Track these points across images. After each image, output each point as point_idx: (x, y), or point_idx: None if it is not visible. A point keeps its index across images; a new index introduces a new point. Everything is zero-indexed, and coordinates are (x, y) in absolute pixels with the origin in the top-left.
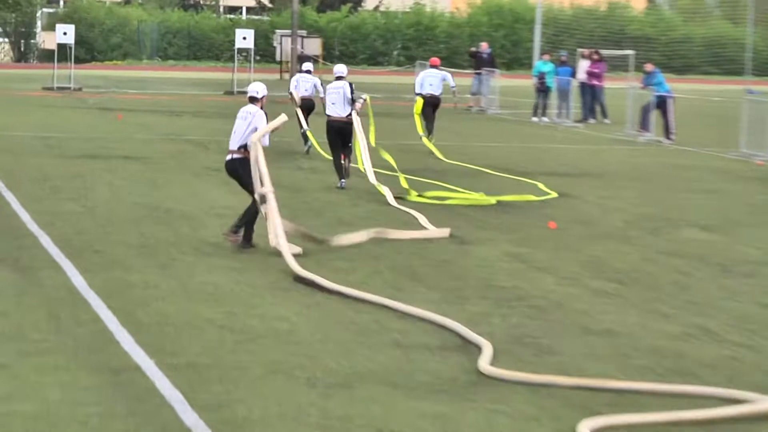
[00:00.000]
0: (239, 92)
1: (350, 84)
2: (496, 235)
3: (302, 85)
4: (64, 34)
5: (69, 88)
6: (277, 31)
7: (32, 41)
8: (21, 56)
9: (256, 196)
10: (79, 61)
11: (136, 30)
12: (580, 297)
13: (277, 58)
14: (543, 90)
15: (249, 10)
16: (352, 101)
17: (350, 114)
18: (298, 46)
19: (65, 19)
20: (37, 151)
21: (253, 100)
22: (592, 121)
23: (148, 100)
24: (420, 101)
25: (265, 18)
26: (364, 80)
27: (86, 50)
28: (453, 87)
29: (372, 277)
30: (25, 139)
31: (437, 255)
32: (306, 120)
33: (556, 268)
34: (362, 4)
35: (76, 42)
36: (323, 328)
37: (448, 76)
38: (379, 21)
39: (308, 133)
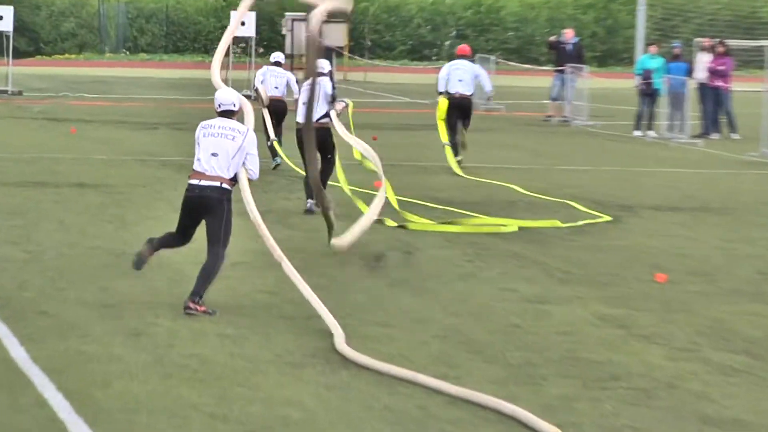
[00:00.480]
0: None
1: (332, 80)
2: (584, 291)
3: (271, 81)
4: (0, 18)
5: (5, 92)
6: (287, 14)
7: None
8: None
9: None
10: (19, 54)
11: (96, 13)
12: (697, 375)
13: (287, 50)
14: (649, 94)
15: None
16: (332, 100)
17: (326, 116)
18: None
19: None
20: None
21: (228, 114)
22: (715, 136)
23: (111, 108)
24: (444, 103)
25: None
26: (403, 80)
27: (29, 40)
28: (488, 91)
29: (415, 349)
30: None
31: (503, 318)
32: (275, 127)
33: (665, 336)
34: None
35: (16, 29)
36: (348, 416)
37: (483, 74)
38: (425, 1)
39: (275, 145)
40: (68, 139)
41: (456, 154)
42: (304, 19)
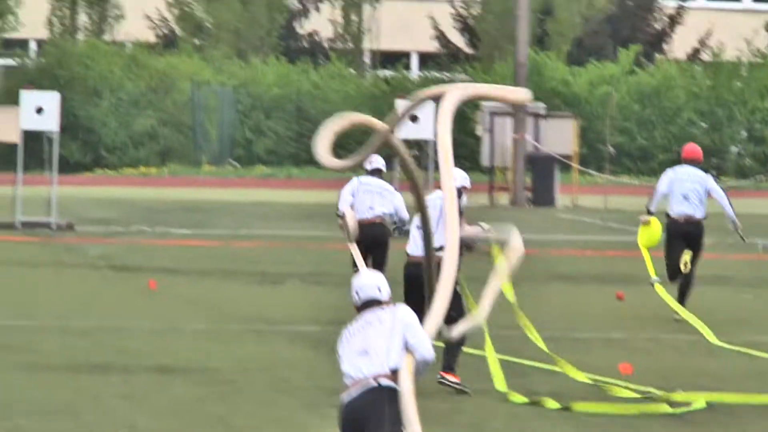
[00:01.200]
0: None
1: (459, 191)
2: None
3: (364, 198)
4: (39, 111)
5: (48, 225)
6: (485, 105)
7: None
8: None
9: None
10: (69, 167)
11: (188, 102)
12: None
13: (484, 161)
14: None
15: (424, 59)
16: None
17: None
18: (529, 136)
19: (40, 78)
20: None
21: (375, 303)
22: None
23: (211, 250)
24: (656, 225)
25: (461, 75)
26: None
27: (84, 146)
28: (731, 216)
29: None
30: None
31: None
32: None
33: None
34: (665, 43)
35: (64, 129)
36: None
37: (717, 189)
38: (698, 81)
39: None
40: (144, 299)
41: (681, 301)
42: (510, 113)
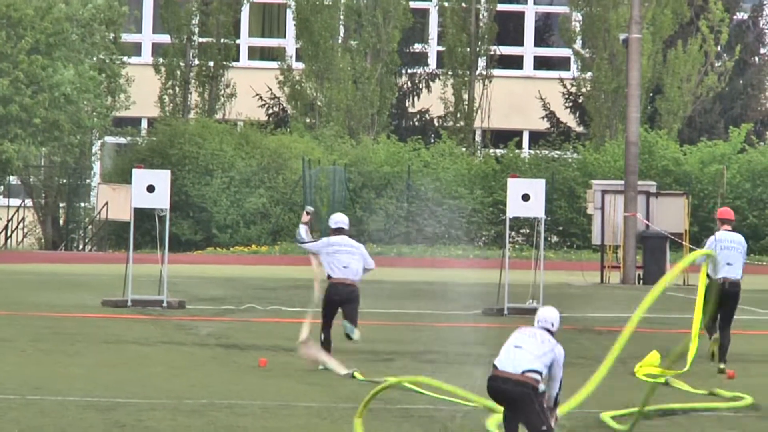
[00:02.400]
0: (518, 312)
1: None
2: None
3: (340, 258)
4: (150, 190)
5: (159, 303)
6: (594, 183)
7: (81, 206)
8: (59, 237)
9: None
10: (180, 245)
11: (300, 181)
12: None
13: (595, 239)
14: None
15: (535, 137)
16: None
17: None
18: (640, 215)
19: (151, 156)
20: None
21: (547, 330)
22: None
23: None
24: (703, 286)
25: (571, 153)
26: None
27: (195, 225)
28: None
29: None
30: (68, 410)
31: None
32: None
33: None
34: None
35: (175, 207)
36: None
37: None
38: None
39: (356, 375)
40: (256, 377)
41: (718, 358)
42: (621, 192)
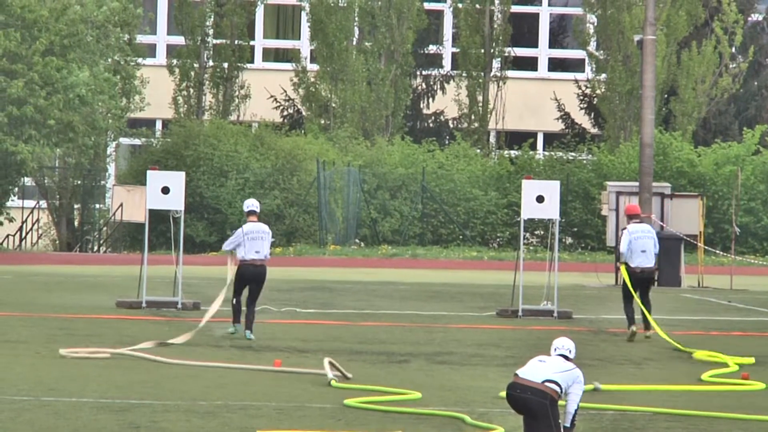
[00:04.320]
0: (532, 313)
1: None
2: None
3: (253, 244)
4: (164, 191)
5: (174, 305)
6: (609, 184)
7: (95, 207)
8: (73, 239)
9: None
10: (194, 247)
11: (314, 183)
12: None
13: (610, 241)
14: None
15: (549, 139)
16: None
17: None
18: (654, 216)
19: (166, 158)
20: None
21: (563, 357)
22: None
23: (336, 330)
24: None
25: (586, 155)
26: None
27: (209, 227)
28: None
29: None
30: (82, 412)
31: None
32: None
33: None
34: None
35: (189, 209)
36: None
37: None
38: None
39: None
40: (270, 378)
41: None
42: (636, 193)
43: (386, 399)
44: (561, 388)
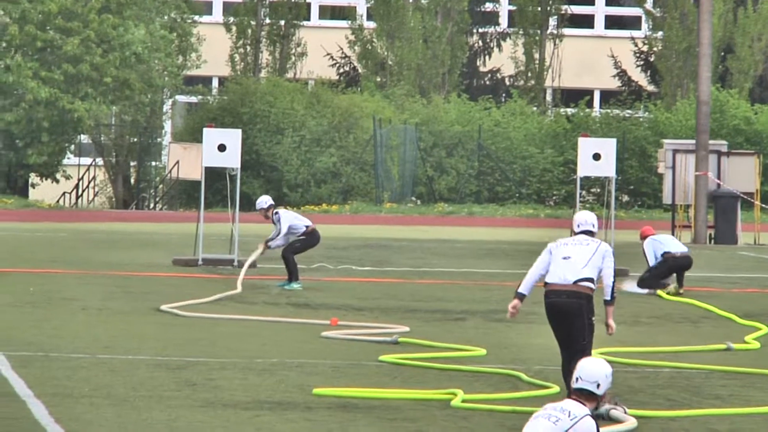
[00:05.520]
0: None
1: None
2: None
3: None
4: (221, 149)
5: (230, 262)
6: (666, 142)
7: (151, 165)
8: (129, 196)
9: None
10: (251, 205)
11: (371, 141)
12: None
13: (666, 199)
14: None
15: (606, 97)
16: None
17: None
18: (711, 174)
19: (222, 115)
20: (169, 395)
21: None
22: None
23: (391, 288)
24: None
25: (643, 113)
26: None
27: (266, 184)
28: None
29: None
30: (138, 369)
31: None
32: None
33: None
34: None
35: (246, 166)
36: None
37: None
38: None
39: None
40: (324, 339)
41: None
42: (692, 151)
43: (451, 355)
44: (593, 280)
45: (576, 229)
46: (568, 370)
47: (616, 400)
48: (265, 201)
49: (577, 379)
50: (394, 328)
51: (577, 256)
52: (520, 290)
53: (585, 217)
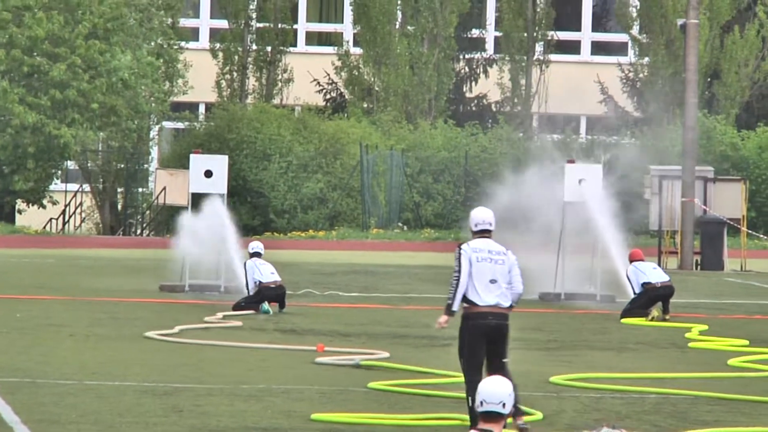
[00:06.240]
0: (574, 297)
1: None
2: None
3: (265, 267)
4: (208, 175)
5: (217, 288)
6: (653, 168)
7: (138, 191)
8: (116, 222)
9: None
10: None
11: (357, 166)
12: None
13: (653, 225)
14: None
15: (592, 123)
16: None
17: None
18: (697, 200)
19: (209, 141)
20: (155, 422)
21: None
22: None
23: (379, 313)
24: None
25: (629, 139)
26: None
27: (252, 210)
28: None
29: None
30: (125, 395)
31: None
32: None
33: None
34: None
35: (233, 192)
36: None
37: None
38: None
39: None
40: (311, 365)
41: None
42: (679, 177)
43: (439, 381)
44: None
45: (474, 229)
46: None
47: (614, 425)
48: (251, 247)
49: (481, 402)
50: (377, 353)
51: (498, 276)
52: (455, 308)
53: (483, 216)
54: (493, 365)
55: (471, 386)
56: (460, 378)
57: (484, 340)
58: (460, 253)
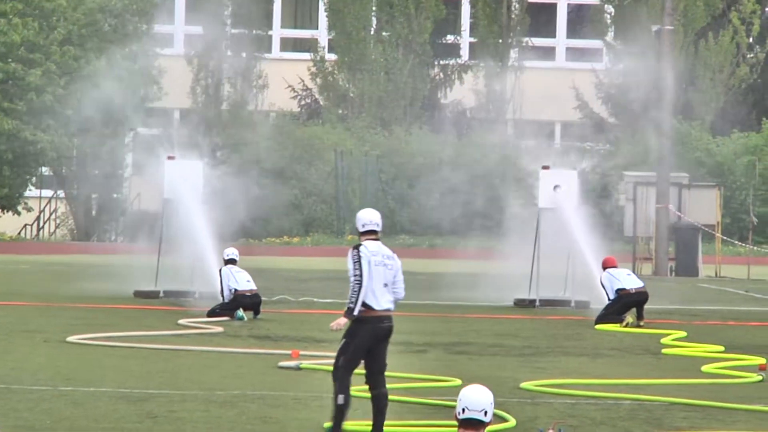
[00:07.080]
0: (549, 303)
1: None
2: None
3: (240, 276)
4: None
5: (191, 294)
6: (626, 174)
7: (114, 197)
8: (91, 228)
9: None
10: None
11: (332, 172)
12: None
13: (627, 231)
14: None
15: (567, 129)
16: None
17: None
18: (672, 206)
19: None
20: (130, 428)
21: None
22: None
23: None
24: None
25: (604, 145)
26: None
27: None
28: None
29: None
30: (100, 402)
31: None
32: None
33: None
34: None
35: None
36: None
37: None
38: None
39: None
40: (287, 372)
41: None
42: (653, 183)
43: (425, 386)
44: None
45: (361, 229)
46: (373, 382)
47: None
48: (226, 254)
49: (463, 410)
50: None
51: (389, 280)
52: (356, 313)
53: (370, 216)
54: (374, 368)
55: (343, 386)
56: (438, 383)
57: (374, 343)
58: (359, 256)
